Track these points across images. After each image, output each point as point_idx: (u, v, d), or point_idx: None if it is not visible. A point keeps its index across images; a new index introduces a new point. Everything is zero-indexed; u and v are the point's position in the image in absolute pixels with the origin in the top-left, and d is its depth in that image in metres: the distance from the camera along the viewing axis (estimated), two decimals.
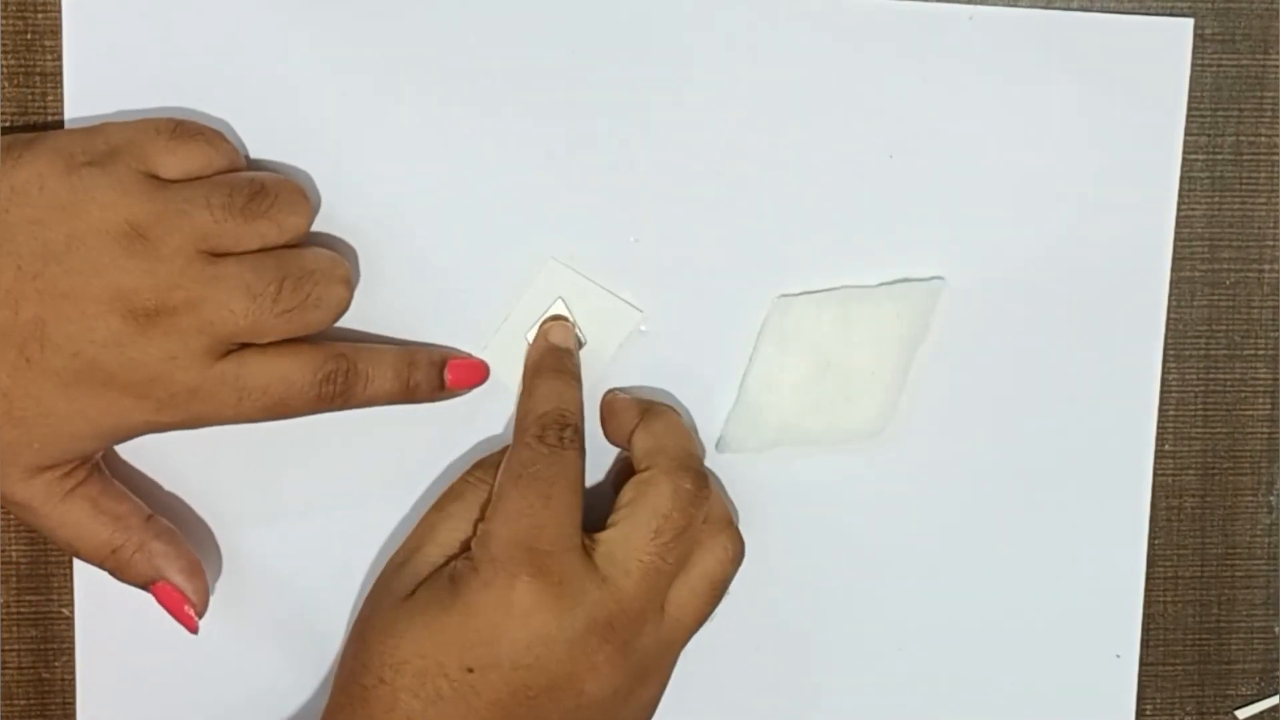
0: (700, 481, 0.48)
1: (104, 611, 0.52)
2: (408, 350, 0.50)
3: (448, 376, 0.50)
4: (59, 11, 0.50)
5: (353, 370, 0.47)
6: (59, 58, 0.51)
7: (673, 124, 0.52)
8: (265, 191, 0.46)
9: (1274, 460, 0.56)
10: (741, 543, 0.49)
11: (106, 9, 0.50)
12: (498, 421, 0.52)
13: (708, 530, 0.48)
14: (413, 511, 0.52)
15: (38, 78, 0.51)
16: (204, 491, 0.52)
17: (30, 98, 0.51)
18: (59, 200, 0.44)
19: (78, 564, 0.52)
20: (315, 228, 0.51)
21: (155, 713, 0.53)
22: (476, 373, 0.51)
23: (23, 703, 0.53)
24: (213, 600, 0.52)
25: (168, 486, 0.52)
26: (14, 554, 0.52)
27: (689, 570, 0.47)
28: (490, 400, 0.52)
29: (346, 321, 0.52)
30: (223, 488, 0.52)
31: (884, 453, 0.54)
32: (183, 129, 0.46)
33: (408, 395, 0.49)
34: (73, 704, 0.53)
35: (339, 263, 0.48)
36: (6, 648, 0.53)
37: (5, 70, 0.51)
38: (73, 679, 0.53)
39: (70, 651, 0.52)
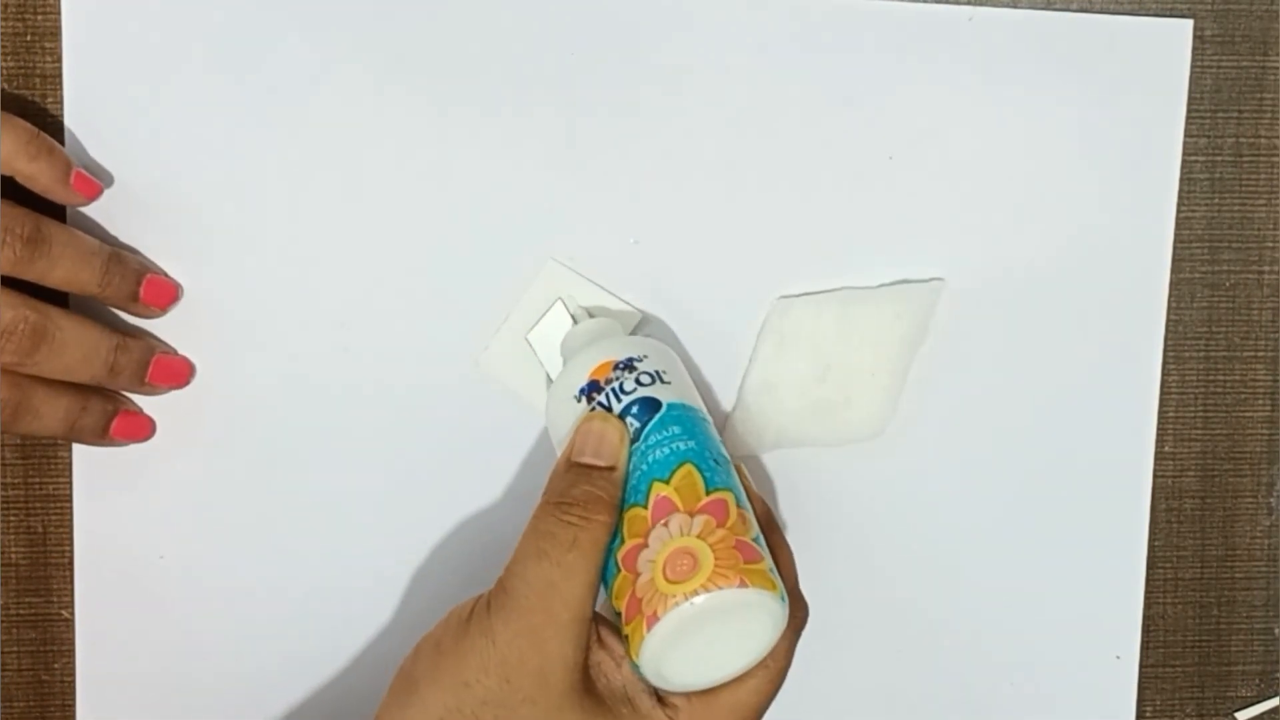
0: (804, 601, 0.47)
1: (104, 614, 0.52)
2: (82, 394, 0.49)
3: (114, 426, 0.50)
4: (58, 13, 0.50)
5: (24, 403, 0.47)
6: (59, 59, 0.51)
7: (673, 125, 0.52)
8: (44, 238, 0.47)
9: (1274, 462, 0.56)
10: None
11: (106, 10, 0.50)
12: (498, 424, 0.52)
13: None
14: (410, 513, 0.52)
15: (38, 79, 0.51)
16: (206, 493, 0.52)
17: (30, 99, 0.51)
18: None
19: (78, 566, 0.52)
20: (315, 227, 0.51)
21: (155, 715, 0.52)
22: (143, 429, 0.51)
23: (22, 704, 0.53)
24: (213, 602, 0.52)
25: (170, 487, 0.52)
26: (14, 555, 0.52)
27: None
28: (492, 402, 0.52)
29: (348, 320, 0.52)
30: (225, 490, 0.52)
31: (884, 454, 0.54)
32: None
33: (71, 436, 0.49)
34: (73, 706, 0.52)
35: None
36: (6, 650, 0.53)
37: (5, 72, 0.51)
38: (73, 681, 0.52)
39: (70, 654, 0.52)
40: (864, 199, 0.53)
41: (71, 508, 0.52)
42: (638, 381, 0.47)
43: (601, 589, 0.44)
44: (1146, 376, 0.55)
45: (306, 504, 0.52)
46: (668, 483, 0.44)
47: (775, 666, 0.44)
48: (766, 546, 0.45)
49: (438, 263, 0.52)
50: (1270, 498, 0.56)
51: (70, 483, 0.52)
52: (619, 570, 0.43)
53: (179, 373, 0.51)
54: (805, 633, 0.54)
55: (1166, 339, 0.55)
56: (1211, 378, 0.56)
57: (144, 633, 0.52)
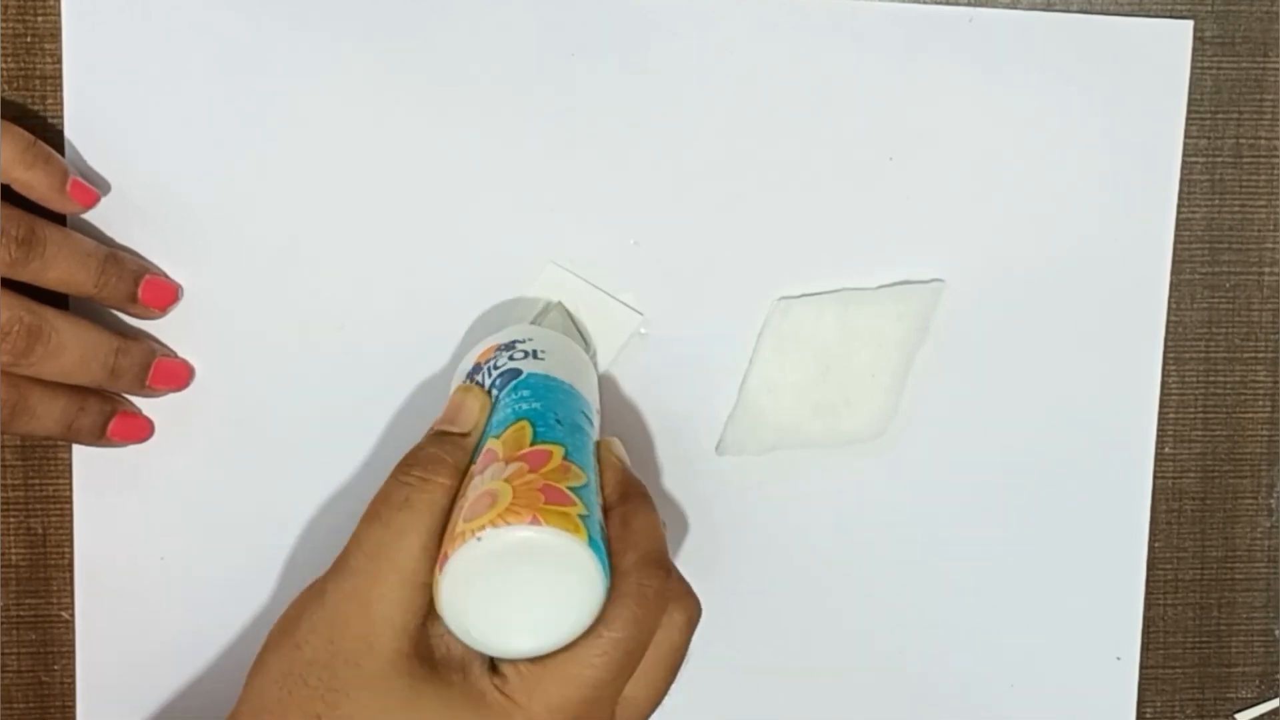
0: (666, 574, 0.42)
1: (104, 615, 0.52)
2: (79, 395, 0.49)
3: (111, 426, 0.50)
4: (59, 14, 0.50)
5: (21, 403, 0.47)
6: (59, 60, 0.51)
7: (673, 126, 0.52)
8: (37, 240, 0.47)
9: (1274, 463, 0.56)
10: (699, 607, 0.43)
11: (106, 12, 0.50)
12: None
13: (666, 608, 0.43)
14: None
15: (38, 80, 0.51)
16: (206, 493, 0.52)
17: (30, 100, 0.51)
18: None
19: (78, 567, 0.52)
20: (315, 229, 0.51)
21: (155, 716, 0.52)
22: (141, 430, 0.51)
23: (22, 706, 0.53)
24: (213, 602, 0.52)
25: (170, 488, 0.52)
26: (14, 557, 0.52)
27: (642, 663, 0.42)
28: None
29: (347, 322, 0.52)
30: (225, 490, 0.52)
31: (883, 455, 0.54)
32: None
33: (68, 436, 0.49)
34: (73, 708, 0.52)
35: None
36: (6, 651, 0.53)
37: (5, 73, 0.51)
38: (73, 683, 0.52)
39: (70, 655, 0.52)
40: (864, 199, 0.53)
41: (71, 508, 0.52)
42: (510, 358, 0.46)
43: None
44: (1146, 378, 0.55)
45: (307, 504, 0.52)
46: (499, 438, 0.43)
47: (612, 636, 0.40)
48: (601, 509, 0.42)
49: (437, 264, 0.52)
50: (1270, 499, 0.56)
51: (70, 483, 0.52)
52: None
53: (179, 376, 0.51)
54: (804, 633, 0.54)
55: (1166, 340, 0.55)
56: (1211, 379, 0.56)
57: (144, 633, 0.52)
